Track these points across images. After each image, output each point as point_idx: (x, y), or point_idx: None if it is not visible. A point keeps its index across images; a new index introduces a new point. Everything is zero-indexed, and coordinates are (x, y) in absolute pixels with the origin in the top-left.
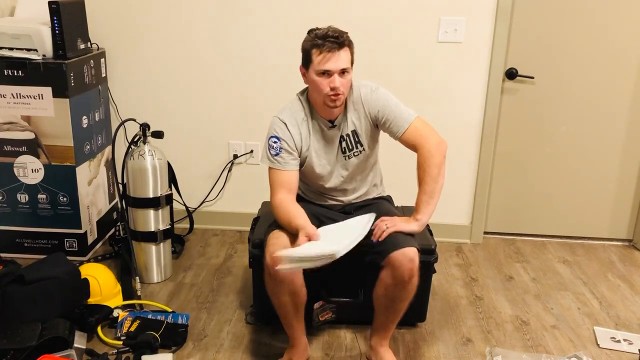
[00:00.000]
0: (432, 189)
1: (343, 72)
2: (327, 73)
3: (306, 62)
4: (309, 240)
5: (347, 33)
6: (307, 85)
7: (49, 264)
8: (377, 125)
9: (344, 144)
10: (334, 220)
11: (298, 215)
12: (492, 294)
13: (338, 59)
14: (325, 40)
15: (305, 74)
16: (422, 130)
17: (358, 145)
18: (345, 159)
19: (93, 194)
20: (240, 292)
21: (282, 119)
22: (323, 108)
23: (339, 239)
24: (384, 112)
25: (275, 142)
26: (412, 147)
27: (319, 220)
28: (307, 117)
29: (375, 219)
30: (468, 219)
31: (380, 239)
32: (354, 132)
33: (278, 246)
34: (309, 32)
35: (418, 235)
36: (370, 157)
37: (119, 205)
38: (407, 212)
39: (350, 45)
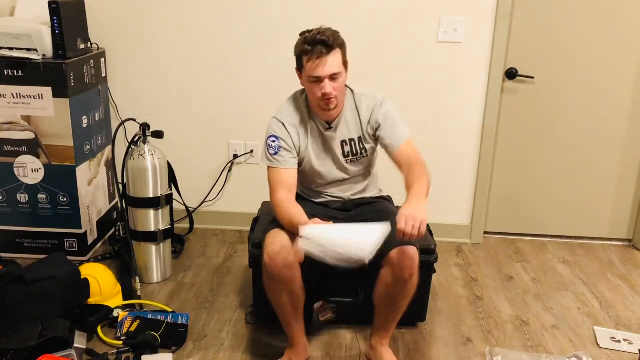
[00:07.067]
0: (423, 189)
1: (334, 76)
2: (317, 79)
3: (299, 66)
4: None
5: (337, 33)
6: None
7: (49, 264)
8: (375, 135)
9: (346, 149)
10: (335, 220)
11: (299, 214)
12: (492, 294)
13: (327, 65)
14: (313, 46)
15: (300, 76)
16: (413, 154)
17: (363, 151)
18: (347, 163)
19: (93, 194)
20: (240, 292)
21: (280, 119)
22: (319, 110)
23: (361, 238)
24: (384, 126)
25: (273, 142)
26: (402, 166)
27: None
28: (305, 117)
29: (375, 219)
30: (468, 219)
31: (411, 238)
32: (360, 139)
33: (276, 245)
34: (301, 34)
35: None
36: (370, 160)
37: (119, 205)
38: None
39: (341, 46)
